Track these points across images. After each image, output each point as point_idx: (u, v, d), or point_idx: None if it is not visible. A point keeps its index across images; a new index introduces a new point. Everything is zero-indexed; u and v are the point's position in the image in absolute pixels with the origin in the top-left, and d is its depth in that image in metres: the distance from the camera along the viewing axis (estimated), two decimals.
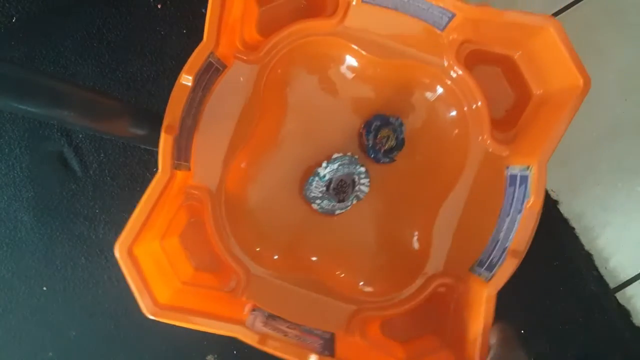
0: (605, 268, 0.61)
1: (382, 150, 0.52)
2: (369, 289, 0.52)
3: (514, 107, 0.53)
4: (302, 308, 0.50)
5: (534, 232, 0.45)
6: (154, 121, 0.45)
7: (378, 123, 0.52)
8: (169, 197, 0.46)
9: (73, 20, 0.62)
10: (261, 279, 0.51)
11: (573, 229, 0.61)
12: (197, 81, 0.45)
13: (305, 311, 0.49)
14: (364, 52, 0.51)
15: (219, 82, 0.50)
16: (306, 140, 0.54)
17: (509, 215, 0.47)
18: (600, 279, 0.61)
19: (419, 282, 0.51)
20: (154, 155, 0.60)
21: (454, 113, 0.52)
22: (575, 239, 0.61)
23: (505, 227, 0.47)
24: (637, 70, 0.62)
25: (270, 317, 0.47)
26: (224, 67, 0.49)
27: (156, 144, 0.43)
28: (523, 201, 0.46)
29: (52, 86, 0.43)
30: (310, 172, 0.53)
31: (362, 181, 0.52)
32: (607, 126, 0.62)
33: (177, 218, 0.49)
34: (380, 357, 0.48)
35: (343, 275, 0.53)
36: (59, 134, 0.62)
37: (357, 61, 0.53)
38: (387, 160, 0.52)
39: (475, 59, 0.51)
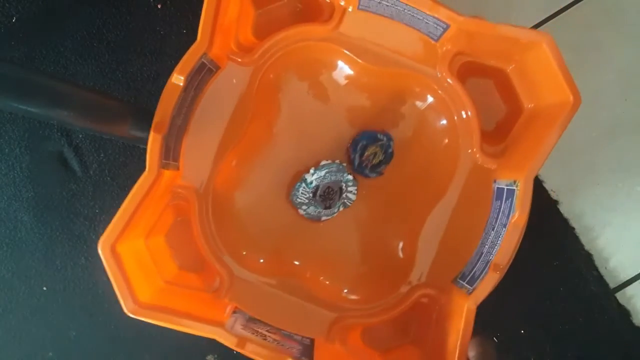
0: (605, 268, 0.61)
1: (369, 166, 0.52)
2: (352, 296, 0.53)
3: (504, 121, 0.53)
4: (284, 312, 0.50)
5: (517, 247, 0.45)
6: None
7: (364, 143, 0.52)
8: (156, 196, 0.46)
9: (73, 20, 0.62)
10: (244, 281, 0.51)
11: (573, 228, 0.61)
12: (189, 81, 0.45)
13: (287, 316, 0.50)
14: (357, 59, 0.51)
15: (211, 83, 0.50)
16: (296, 145, 0.54)
17: (494, 228, 0.48)
18: (600, 279, 0.61)
19: (402, 291, 0.51)
20: None
21: (444, 122, 0.53)
22: (575, 238, 0.61)
23: (489, 240, 0.48)
24: (637, 70, 0.63)
25: (251, 320, 0.47)
26: (217, 68, 0.49)
27: None
28: (508, 215, 0.46)
29: (52, 86, 0.43)
30: (299, 177, 0.53)
31: (349, 189, 0.53)
32: (607, 126, 0.62)
33: (163, 217, 0.49)
34: None
35: (326, 281, 0.53)
36: (59, 134, 0.62)
37: (350, 68, 0.53)
38: (375, 175, 0.53)
39: (468, 71, 0.52)
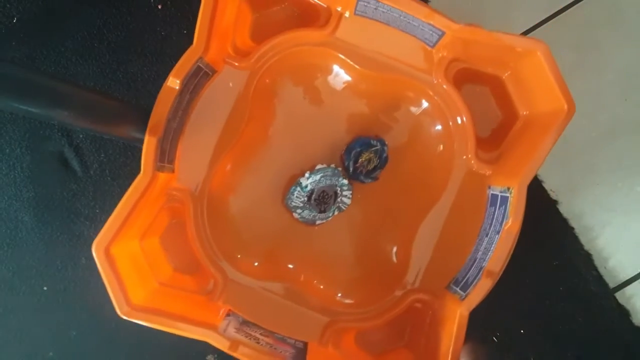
0: (605, 268, 0.61)
1: (364, 172, 0.52)
2: (345, 300, 0.53)
3: (500, 127, 0.54)
4: (278, 316, 0.50)
5: (511, 254, 0.45)
6: None
7: (358, 149, 0.52)
8: (151, 198, 0.46)
9: (74, 20, 0.62)
10: (238, 284, 0.51)
11: (572, 228, 0.61)
12: (185, 85, 0.46)
13: (280, 319, 0.50)
14: (353, 65, 0.51)
15: (207, 87, 0.50)
16: (292, 149, 0.54)
17: (487, 235, 0.48)
18: (599, 279, 0.61)
19: (395, 296, 0.52)
20: None
21: (439, 127, 0.53)
22: (575, 238, 0.61)
23: (483, 246, 0.48)
24: (637, 71, 0.63)
25: (244, 323, 0.47)
26: (214, 71, 0.49)
27: None
28: (502, 222, 0.46)
29: (53, 86, 0.43)
30: (294, 180, 0.53)
31: (344, 193, 0.53)
32: (607, 126, 0.62)
33: (158, 219, 0.49)
34: None
35: (320, 285, 0.53)
36: (59, 134, 0.62)
37: (346, 73, 0.53)
38: (370, 180, 0.53)
39: (464, 77, 0.52)
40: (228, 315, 0.47)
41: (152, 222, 0.48)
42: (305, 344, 0.48)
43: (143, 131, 0.46)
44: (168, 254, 0.51)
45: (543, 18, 0.63)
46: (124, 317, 0.42)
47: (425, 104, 0.53)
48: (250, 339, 0.44)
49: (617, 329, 0.60)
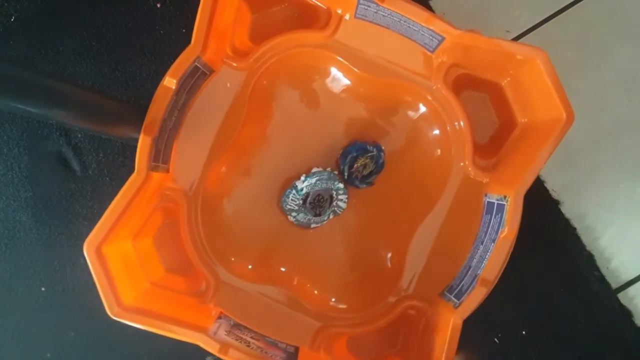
0: (607, 268, 0.61)
1: (360, 177, 0.52)
2: (338, 305, 0.53)
3: (498, 134, 0.54)
4: (269, 319, 0.50)
5: (506, 262, 0.45)
6: None
7: (354, 154, 0.52)
8: (144, 197, 0.46)
9: (72, 19, 0.62)
10: (231, 286, 0.51)
11: (575, 229, 0.61)
12: (182, 84, 0.45)
13: (272, 323, 0.50)
14: (352, 68, 0.51)
15: (204, 87, 0.50)
16: (288, 151, 0.54)
17: (483, 243, 0.48)
18: (602, 280, 0.60)
19: (389, 302, 0.51)
20: None
21: (436, 132, 0.53)
22: (577, 239, 0.61)
23: (478, 254, 0.48)
24: (638, 70, 0.62)
25: (235, 326, 0.47)
26: (211, 71, 0.49)
27: None
28: (498, 230, 0.46)
29: (51, 86, 0.43)
30: (290, 183, 0.53)
31: (340, 197, 0.53)
32: (610, 127, 0.62)
33: (151, 219, 0.49)
34: None
35: (314, 289, 0.53)
36: (57, 133, 0.61)
37: (344, 76, 0.53)
38: (365, 185, 0.53)
39: (463, 83, 0.52)
40: (219, 317, 0.47)
41: (146, 222, 0.48)
42: (297, 349, 0.47)
43: (139, 131, 0.46)
44: (161, 254, 0.51)
45: (543, 18, 0.63)
46: (115, 318, 0.42)
47: (423, 109, 0.53)
48: (241, 342, 0.44)
49: (619, 329, 0.60)
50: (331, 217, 0.53)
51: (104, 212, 0.61)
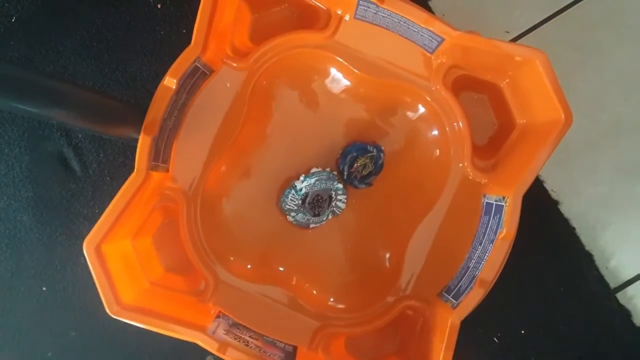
0: (606, 268, 0.61)
1: (359, 177, 0.52)
2: (337, 305, 0.53)
3: (496, 135, 0.54)
4: (268, 319, 0.50)
5: (504, 263, 0.45)
6: None
7: (354, 154, 0.52)
8: (144, 197, 0.46)
9: (72, 19, 0.62)
10: (230, 286, 0.51)
11: (573, 228, 0.61)
12: (182, 84, 0.46)
13: (270, 322, 0.50)
14: (352, 68, 0.51)
15: (204, 87, 0.50)
16: (287, 151, 0.54)
17: (481, 243, 0.48)
18: (601, 279, 0.60)
19: (387, 302, 0.52)
20: None
21: (435, 133, 0.53)
22: (576, 238, 0.61)
23: (476, 255, 0.48)
24: (637, 70, 0.62)
25: (234, 326, 0.47)
26: (211, 71, 0.49)
27: None
28: (496, 231, 0.46)
29: (52, 86, 0.43)
30: (289, 183, 0.53)
31: (339, 197, 0.53)
32: (608, 126, 0.62)
33: (151, 218, 0.49)
34: None
35: (312, 289, 0.53)
36: (58, 134, 0.62)
37: (344, 77, 0.53)
38: (364, 186, 0.53)
39: (462, 84, 0.52)
40: (218, 317, 0.47)
41: (145, 222, 0.48)
42: (295, 348, 0.48)
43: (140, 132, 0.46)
44: (160, 253, 0.51)
45: (543, 18, 0.63)
46: (114, 317, 0.42)
47: (422, 110, 0.53)
48: (239, 341, 0.44)
49: (618, 329, 0.60)
50: (330, 217, 0.54)
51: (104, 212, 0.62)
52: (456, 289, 0.47)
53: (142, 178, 0.44)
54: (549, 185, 0.61)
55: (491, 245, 0.46)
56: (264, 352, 0.44)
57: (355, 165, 0.52)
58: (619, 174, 0.62)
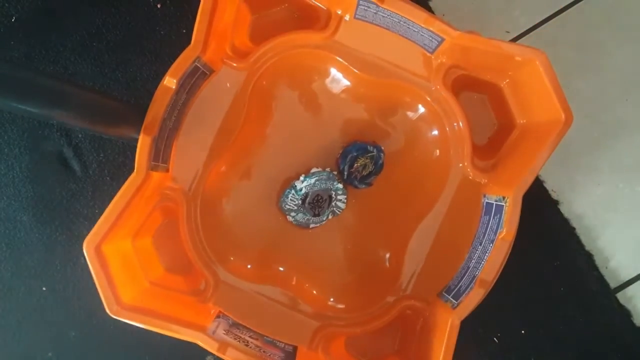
0: (606, 268, 0.61)
1: (359, 177, 0.52)
2: (337, 305, 0.53)
3: (496, 135, 0.54)
4: (268, 319, 0.50)
5: (504, 263, 0.45)
6: None
7: (354, 154, 0.52)
8: (144, 197, 0.46)
9: (72, 19, 0.62)
10: (230, 286, 0.51)
11: (574, 229, 0.61)
12: (182, 84, 0.46)
13: (270, 322, 0.50)
14: (352, 68, 0.51)
15: (204, 87, 0.50)
16: (287, 151, 0.54)
17: (481, 243, 0.48)
18: (600, 279, 0.60)
19: (387, 302, 0.52)
20: None
21: (435, 132, 0.53)
22: (576, 239, 0.61)
23: (476, 255, 0.48)
24: (637, 70, 0.62)
25: (234, 326, 0.47)
26: (211, 71, 0.49)
27: None
28: (496, 231, 0.46)
29: (52, 86, 0.43)
30: (289, 183, 0.53)
31: (339, 197, 0.53)
32: (608, 126, 0.62)
33: (151, 218, 0.49)
34: None
35: (312, 289, 0.53)
36: (58, 133, 0.62)
37: (344, 77, 0.53)
38: (364, 186, 0.53)
39: (462, 84, 0.52)
40: (218, 317, 0.47)
41: (145, 221, 0.48)
42: (295, 348, 0.48)
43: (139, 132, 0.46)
44: (160, 253, 0.51)
45: (543, 18, 0.63)
46: (113, 316, 0.42)
47: (422, 110, 0.53)
48: (239, 341, 0.44)
49: (618, 329, 0.60)
50: (330, 217, 0.54)
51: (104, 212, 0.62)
52: (456, 289, 0.47)
53: (142, 178, 0.44)
54: (549, 185, 0.61)
55: (491, 245, 0.46)
56: (263, 352, 0.44)
57: (356, 165, 0.52)
58: (619, 174, 0.62)
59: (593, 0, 0.62)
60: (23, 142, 0.62)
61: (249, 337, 0.46)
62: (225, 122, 0.51)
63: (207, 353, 0.61)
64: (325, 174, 0.52)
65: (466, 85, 0.53)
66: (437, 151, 0.53)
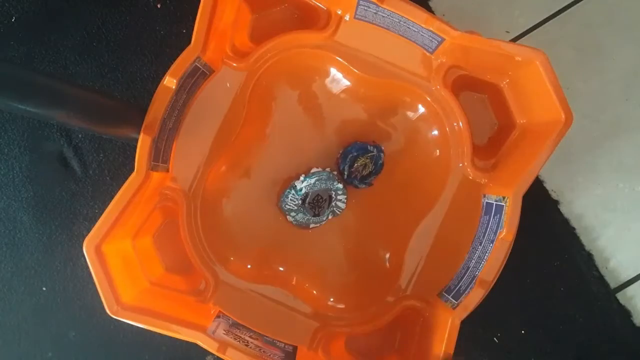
0: (606, 268, 0.61)
1: (359, 177, 0.52)
2: (336, 305, 0.53)
3: (496, 135, 0.54)
4: (268, 319, 0.50)
5: (504, 263, 0.45)
6: None
7: (354, 154, 0.52)
8: (144, 197, 0.46)
9: (72, 19, 0.62)
10: (230, 286, 0.51)
11: (573, 229, 0.61)
12: (182, 84, 0.46)
13: (270, 322, 0.50)
14: (352, 68, 0.51)
15: (204, 87, 0.50)
16: (287, 151, 0.54)
17: (481, 243, 0.48)
18: (600, 279, 0.60)
19: (387, 302, 0.52)
20: None
21: (435, 132, 0.53)
22: (576, 239, 0.61)
23: (476, 255, 0.48)
24: (637, 70, 0.62)
25: (234, 326, 0.47)
26: (211, 71, 0.49)
27: None
28: (496, 231, 0.46)
29: (51, 86, 0.43)
30: (289, 183, 0.53)
31: (339, 197, 0.53)
32: (608, 126, 0.62)
33: (151, 218, 0.49)
34: None
35: (312, 289, 0.53)
36: (58, 134, 0.62)
37: (344, 77, 0.53)
38: (364, 186, 0.53)
39: (462, 84, 0.52)
40: (218, 316, 0.47)
41: (145, 221, 0.48)
42: (295, 348, 0.48)
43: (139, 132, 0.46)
44: (160, 253, 0.51)
45: (543, 18, 0.63)
46: (113, 316, 0.42)
47: (422, 110, 0.53)
48: (239, 341, 0.44)
49: (618, 329, 0.60)
50: (330, 217, 0.54)
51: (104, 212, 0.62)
52: (456, 289, 0.47)
53: (142, 178, 0.44)
54: (549, 185, 0.61)
55: (491, 245, 0.46)
56: (263, 352, 0.44)
57: (356, 165, 0.52)
58: (619, 174, 0.62)
59: (593, 0, 0.62)
60: (23, 142, 0.62)
61: (249, 337, 0.46)
62: (225, 122, 0.51)
63: (207, 353, 0.61)
64: (325, 174, 0.52)
65: (466, 85, 0.53)
66: (437, 151, 0.53)
